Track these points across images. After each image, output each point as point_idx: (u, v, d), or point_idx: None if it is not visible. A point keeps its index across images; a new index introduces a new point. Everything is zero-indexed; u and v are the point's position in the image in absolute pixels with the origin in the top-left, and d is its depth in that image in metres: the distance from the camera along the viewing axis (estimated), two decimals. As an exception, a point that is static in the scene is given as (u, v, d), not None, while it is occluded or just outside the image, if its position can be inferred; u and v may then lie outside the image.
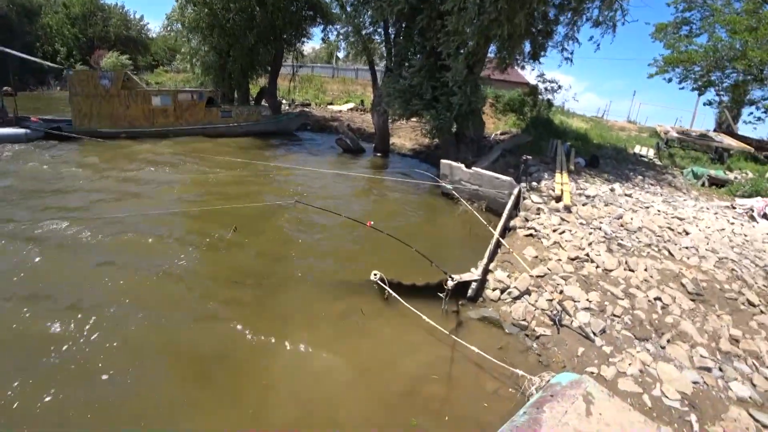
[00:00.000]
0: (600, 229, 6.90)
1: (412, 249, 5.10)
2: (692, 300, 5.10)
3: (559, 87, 14.83)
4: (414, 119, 13.80)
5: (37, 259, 5.60)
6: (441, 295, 4.93)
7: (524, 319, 4.89)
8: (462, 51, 10.46)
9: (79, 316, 4.48)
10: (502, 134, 16.81)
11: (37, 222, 6.73)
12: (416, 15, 11.19)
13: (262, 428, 3.39)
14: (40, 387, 3.58)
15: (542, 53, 12.83)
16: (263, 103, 20.14)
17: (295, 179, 10.82)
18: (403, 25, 12.99)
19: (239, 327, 4.55)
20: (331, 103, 26.09)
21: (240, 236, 6.78)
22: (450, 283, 4.86)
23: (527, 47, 12.81)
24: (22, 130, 14.09)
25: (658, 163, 14.39)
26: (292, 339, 4.43)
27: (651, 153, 15.80)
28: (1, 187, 8.77)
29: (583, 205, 8.02)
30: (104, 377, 3.77)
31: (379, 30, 14.11)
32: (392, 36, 13.74)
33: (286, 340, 4.42)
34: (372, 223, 5.03)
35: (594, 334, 4.56)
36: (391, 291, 4.81)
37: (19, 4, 38.58)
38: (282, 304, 5.10)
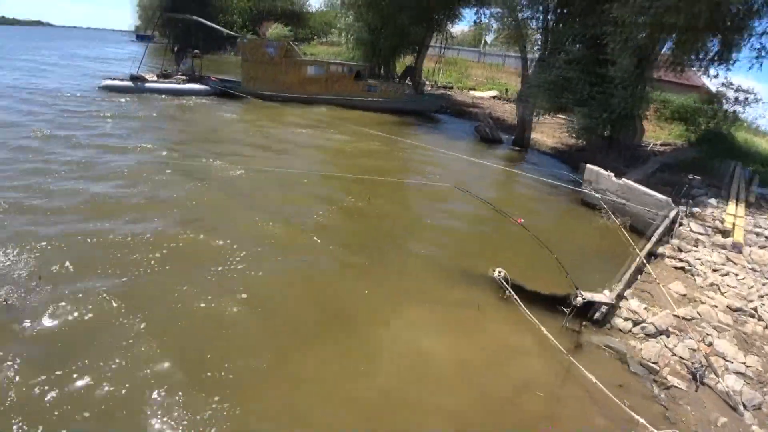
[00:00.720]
0: (779, 280, 5.66)
1: (552, 255, 4.84)
2: None
3: (757, 99, 12.02)
4: (561, 115, 12.76)
5: (203, 194, 6.92)
6: (564, 309, 4.62)
7: (656, 362, 4.33)
8: (630, 44, 9.19)
9: (235, 246, 5.42)
10: (662, 145, 14.57)
11: (207, 161, 8.40)
12: None
13: (362, 389, 3.64)
14: (196, 296, 4.45)
15: (733, 54, 10.38)
16: (407, 81, 20.62)
17: (429, 160, 11.02)
18: (564, 11, 11.92)
19: (360, 289, 4.91)
20: (473, 89, 25.41)
21: (375, 207, 7.28)
22: (578, 300, 4.52)
23: (714, 46, 10.51)
24: (203, 87, 17.22)
25: None
26: (406, 314, 4.63)
27: None
28: (191, 130, 11.28)
29: (760, 247, 6.62)
30: (243, 296, 4.55)
31: (537, 14, 13.18)
32: (550, 22, 12.74)
33: (400, 313, 4.63)
34: (522, 220, 4.90)
35: (744, 406, 3.82)
36: (511, 292, 4.66)
37: (209, -19, 45.24)
38: (402, 278, 5.33)
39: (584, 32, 10.64)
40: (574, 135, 11.95)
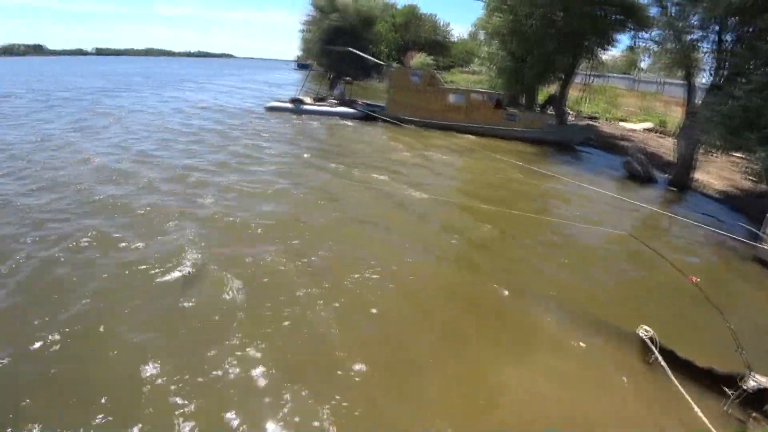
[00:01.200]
0: None
1: (725, 323, 4.19)
2: None
3: None
4: (737, 153, 10.76)
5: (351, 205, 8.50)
6: (728, 391, 3.92)
7: None
8: None
9: (372, 262, 6.11)
10: None
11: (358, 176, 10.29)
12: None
13: (479, 420, 3.68)
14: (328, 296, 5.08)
15: None
16: (549, 110, 19.79)
17: (571, 197, 10.49)
18: (748, 30, 10.13)
19: (487, 324, 5.03)
20: (623, 120, 22.99)
21: (512, 244, 7.31)
22: (750, 383, 3.79)
23: None
24: (352, 110, 19.54)
25: None
26: (533, 357, 4.54)
27: None
28: (345, 149, 13.90)
29: None
30: (373, 311, 5.03)
31: (710, 35, 11.46)
32: (727, 42, 10.95)
33: (527, 355, 4.56)
34: (697, 280, 4.41)
35: None
36: (659, 356, 4.14)
37: (362, 16, 50.45)
38: (535, 320, 5.20)
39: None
40: (753, 178, 9.93)
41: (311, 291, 5.29)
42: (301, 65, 72.15)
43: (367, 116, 19.31)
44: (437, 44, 52.55)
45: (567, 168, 13.54)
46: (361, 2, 52.42)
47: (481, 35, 21.74)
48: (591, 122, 21.67)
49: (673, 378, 3.91)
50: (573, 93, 22.99)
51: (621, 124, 22.16)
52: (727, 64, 10.75)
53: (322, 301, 5.09)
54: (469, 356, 4.49)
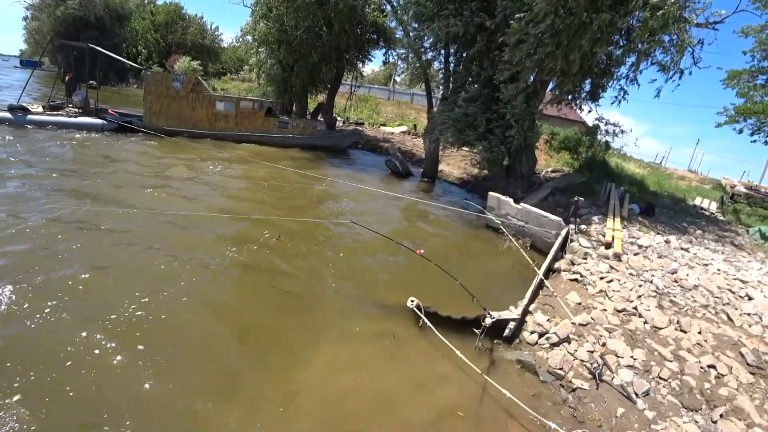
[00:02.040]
0: (651, 282, 6.54)
1: (456, 282, 5.05)
2: (752, 373, 4.70)
3: (622, 131, 14.28)
4: (465, 148, 13.80)
5: (102, 242, 6.08)
6: (476, 331, 4.84)
7: (561, 368, 4.69)
8: (522, 84, 10.46)
9: (140, 293, 4.88)
10: (553, 172, 16.42)
11: (93, 207, 7.31)
12: (475, 43, 11.34)
13: None
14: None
15: (601, 93, 12.49)
16: (319, 117, 20.93)
17: (341, 195, 11.07)
18: (463, 55, 13.17)
19: (275, 331, 4.72)
20: (384, 125, 26.63)
21: (285, 247, 6.99)
22: (488, 320, 4.77)
23: (587, 86, 12.54)
24: (99, 121, 15.52)
25: (721, 218, 13.49)
26: (324, 352, 4.52)
27: (713, 206, 14.84)
28: (64, 170, 9.65)
29: (635, 254, 7.65)
30: (140, 347, 4.08)
31: (439, 57, 14.39)
32: (451, 63, 13.95)
33: (318, 351, 4.51)
34: (422, 252, 5.05)
35: (636, 395, 4.30)
36: (425, 319, 4.78)
37: (113, 10, 42.83)
38: (318, 317, 5.20)
39: (480, 73, 11.83)
40: (477, 166, 12.95)
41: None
42: (27, 62, 54.84)
43: (121, 128, 15.97)
44: (205, 49, 49.12)
45: (339, 170, 14.59)
46: None
47: (250, 41, 21.16)
48: (357, 127, 24.25)
49: (437, 333, 4.56)
50: (340, 101, 25.21)
51: (382, 128, 25.60)
52: (452, 79, 13.60)
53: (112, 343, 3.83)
54: (265, 365, 4.20)
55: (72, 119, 15.28)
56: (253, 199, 9.56)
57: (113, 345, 4.06)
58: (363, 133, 22.00)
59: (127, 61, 22.92)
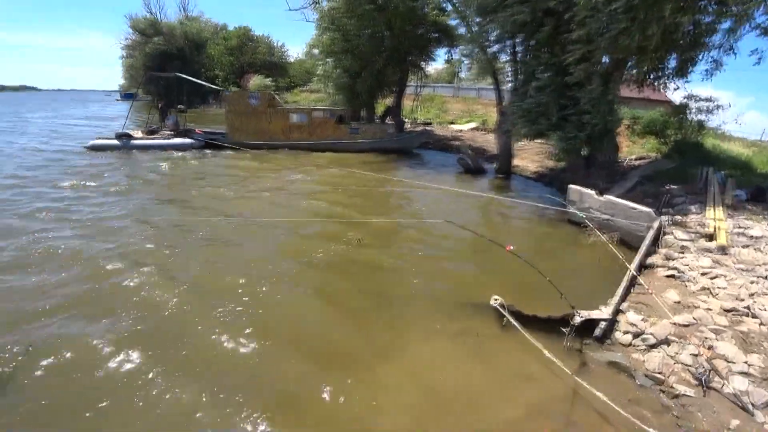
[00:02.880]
0: (766, 278, 5.82)
1: (545, 278, 4.93)
2: None
3: (718, 107, 12.74)
4: (539, 140, 13.25)
5: (204, 250, 6.85)
6: (564, 330, 4.69)
7: (660, 372, 4.36)
8: (597, 66, 9.80)
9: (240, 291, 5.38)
10: (637, 159, 15.12)
11: (195, 214, 8.32)
12: (542, 28, 10.84)
13: (380, 426, 3.63)
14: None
15: (690, 68, 11.15)
16: (388, 121, 21.36)
17: (416, 195, 11.26)
18: (531, 43, 12.68)
19: (361, 331, 4.95)
20: (452, 123, 26.38)
21: (363, 249, 7.31)
22: (576, 320, 4.60)
23: (672, 62, 11.31)
24: (189, 140, 17.61)
25: None
26: (408, 350, 4.65)
27: None
28: (167, 183, 11.36)
29: (744, 247, 6.83)
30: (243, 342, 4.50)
31: (505, 48, 13.98)
32: (519, 53, 13.49)
33: (402, 350, 4.65)
34: (512, 247, 5.02)
35: (753, 406, 3.86)
36: (510, 318, 4.72)
37: (191, 40, 47.38)
38: (401, 316, 5.35)
39: (551, 60, 11.30)
40: (554, 158, 12.37)
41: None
42: (126, 95, 62.90)
43: (208, 145, 17.84)
44: (274, 65, 52.30)
45: (412, 171, 14.78)
46: (189, 25, 49.03)
47: (317, 54, 22.25)
48: (426, 128, 24.28)
49: (524, 332, 4.49)
50: (407, 103, 25.43)
51: (451, 126, 25.34)
52: (520, 70, 13.16)
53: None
54: (354, 361, 4.44)
55: (167, 141, 17.56)
56: (334, 203, 10.17)
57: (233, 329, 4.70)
58: (432, 133, 22.06)
59: (208, 84, 25.25)
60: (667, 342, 4.71)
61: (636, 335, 4.87)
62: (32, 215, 8.25)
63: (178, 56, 44.93)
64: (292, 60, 54.94)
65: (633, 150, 16.58)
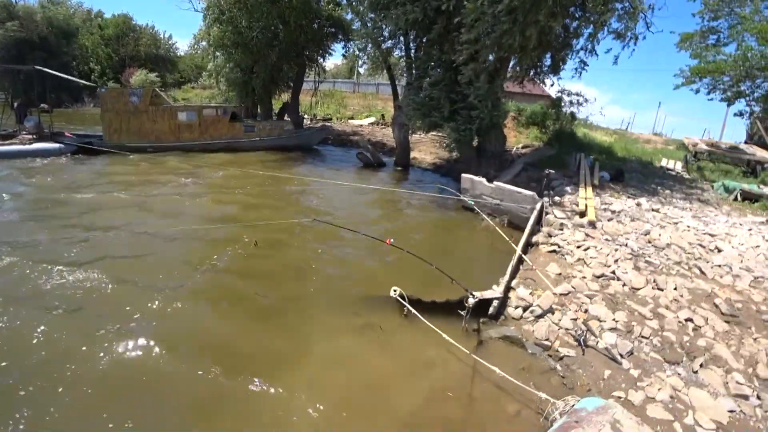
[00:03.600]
0: (626, 245, 6.71)
1: (431, 266, 5.05)
2: (726, 322, 4.87)
3: (585, 100, 14.59)
4: (434, 133, 13.81)
5: (73, 270, 5.81)
6: (461, 312, 4.86)
7: (547, 339, 4.75)
8: (484, 64, 10.48)
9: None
10: (523, 148, 16.64)
11: (70, 233, 7.01)
12: (433, 27, 11.31)
13: None
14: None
15: (562, 66, 12.70)
16: (286, 117, 20.60)
17: (316, 192, 10.98)
18: (423, 40, 13.14)
19: (261, 338, 4.65)
20: (352, 118, 26.45)
21: (261, 251, 6.88)
22: (471, 301, 4.78)
23: (547, 60, 12.71)
24: (56, 145, 14.85)
25: (687, 176, 13.96)
26: (312, 351, 4.48)
27: (679, 166, 15.35)
28: (29, 200, 9.27)
29: (608, 220, 7.82)
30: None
31: (398, 43, 14.31)
32: (412, 50, 13.89)
33: (307, 352, 4.46)
34: (392, 240, 5.02)
35: (621, 356, 4.39)
36: (410, 307, 4.76)
37: (57, 27, 40.90)
38: (302, 318, 5.13)
39: (441, 56, 11.80)
40: (448, 149, 13.00)
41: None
42: None
43: (81, 150, 15.36)
44: (161, 59, 47.42)
45: (311, 168, 14.48)
46: (53, 9, 41.93)
47: (205, 47, 20.58)
48: (326, 123, 24.03)
49: (423, 320, 4.56)
50: (306, 99, 24.87)
51: (350, 121, 25.46)
52: (414, 66, 13.54)
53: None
54: (255, 371, 4.11)
55: (27, 147, 14.54)
56: (227, 207, 9.38)
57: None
58: (332, 129, 21.83)
59: (78, 80, 22.00)
60: (551, 311, 5.15)
61: (525, 308, 5.24)
62: None
63: (40, 46, 38.26)
64: (181, 53, 50.38)
65: (519, 140, 18.23)
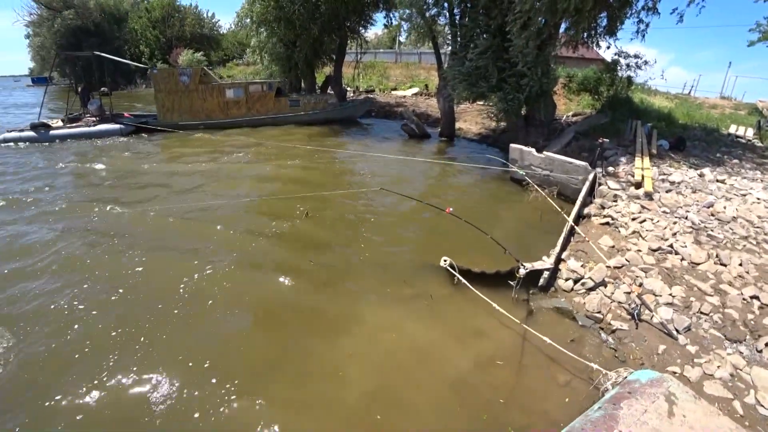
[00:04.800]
0: (686, 218, 6.38)
1: (487, 236, 5.08)
2: (798, 299, 4.60)
3: (645, 63, 13.50)
4: (480, 102, 13.40)
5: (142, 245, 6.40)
6: (511, 283, 4.90)
7: (599, 312, 4.73)
8: (531, 29, 9.97)
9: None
10: (574, 116, 15.82)
11: (131, 207, 7.66)
12: None
13: (341, 394, 3.71)
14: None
15: (619, 26, 11.76)
16: (329, 91, 20.68)
17: (364, 164, 11.14)
18: (468, 5, 12.59)
19: (317, 303, 4.93)
20: (395, 89, 26.00)
21: (315, 221, 7.20)
22: (521, 271, 4.81)
23: (603, 21, 11.83)
24: (117, 126, 15.96)
25: (759, 144, 12.78)
26: (365, 319, 4.69)
27: (750, 133, 14.04)
28: (99, 177, 10.17)
29: (667, 192, 7.42)
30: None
31: (443, 11, 13.82)
32: (457, 17, 13.38)
33: (360, 319, 4.69)
34: (451, 209, 5.09)
35: (677, 331, 4.30)
36: (460, 277, 4.86)
37: (109, 13, 42.77)
38: (355, 285, 5.37)
39: (489, 23, 11.30)
40: (495, 119, 12.63)
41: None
42: (38, 79, 55.04)
43: (137, 129, 16.32)
44: (206, 38, 48.72)
45: (356, 140, 14.56)
46: None
47: (248, 23, 20.82)
48: (369, 95, 23.81)
49: (473, 289, 4.64)
50: (348, 71, 24.72)
51: (393, 92, 25.04)
52: (459, 33, 13.08)
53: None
54: (312, 337, 4.40)
55: (92, 128, 15.77)
56: (277, 180, 9.81)
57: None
58: (375, 101, 21.65)
59: (131, 63, 23.05)
60: (603, 284, 5.08)
61: (576, 281, 5.21)
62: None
63: (95, 32, 40.41)
64: (224, 31, 51.30)
65: (570, 107, 17.31)
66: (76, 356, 4.05)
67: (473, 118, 16.72)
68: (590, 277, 5.14)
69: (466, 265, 5.14)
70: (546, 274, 5.14)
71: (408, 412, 3.58)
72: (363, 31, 21.29)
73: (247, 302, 4.98)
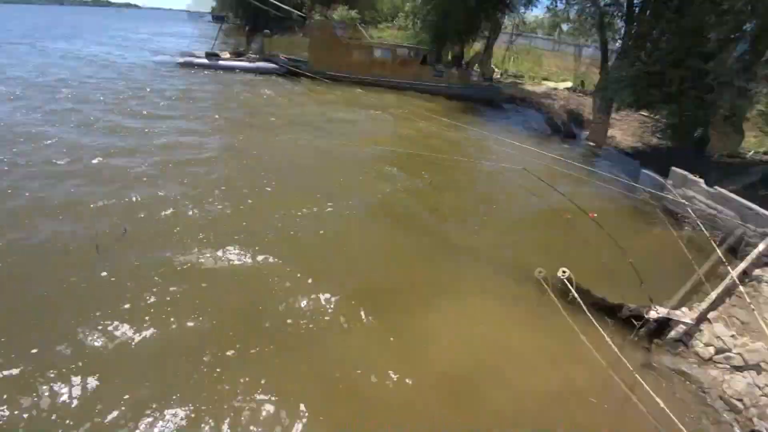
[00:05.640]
0: None
1: (625, 258, 4.38)
2: None
3: None
4: (644, 113, 11.50)
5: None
6: (635, 322, 4.09)
7: (741, 400, 3.71)
8: (738, 36, 8.02)
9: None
10: (765, 153, 12.71)
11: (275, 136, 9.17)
12: None
13: (420, 373, 3.63)
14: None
15: None
16: (475, 68, 19.82)
17: (496, 150, 10.53)
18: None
19: (417, 276, 4.91)
20: (546, 79, 23.80)
21: (439, 191, 7.28)
22: (652, 314, 3.97)
23: None
24: (272, 65, 17.93)
25: None
26: (465, 303, 4.54)
27: None
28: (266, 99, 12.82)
29: None
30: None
31: (621, 1, 11.93)
32: (636, 10, 11.46)
33: (457, 300, 4.54)
34: (595, 215, 4.43)
35: None
36: (576, 295, 4.17)
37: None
38: (461, 269, 5.16)
39: (679, 21, 9.38)
40: (658, 135, 10.75)
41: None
42: (217, 17, 64.85)
43: (289, 71, 17.79)
44: (363, -3, 50.16)
45: (495, 123, 13.78)
46: None
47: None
48: (516, 81, 22.20)
49: (588, 313, 3.97)
50: (499, 52, 23.27)
51: (544, 83, 22.94)
52: (634, 29, 11.24)
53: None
54: (405, 314, 4.34)
55: (252, 64, 18.07)
56: (408, 141, 10.24)
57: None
58: (522, 87, 20.21)
59: (295, 11, 25.01)
60: (757, 369, 3.96)
61: (720, 351, 4.15)
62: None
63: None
64: (380, -7, 52.22)
65: (763, 142, 13.92)
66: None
67: (630, 127, 14.43)
68: (740, 354, 4.05)
69: (587, 285, 4.41)
70: (681, 327, 4.18)
71: (487, 407, 3.43)
72: (522, 10, 19.71)
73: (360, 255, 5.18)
